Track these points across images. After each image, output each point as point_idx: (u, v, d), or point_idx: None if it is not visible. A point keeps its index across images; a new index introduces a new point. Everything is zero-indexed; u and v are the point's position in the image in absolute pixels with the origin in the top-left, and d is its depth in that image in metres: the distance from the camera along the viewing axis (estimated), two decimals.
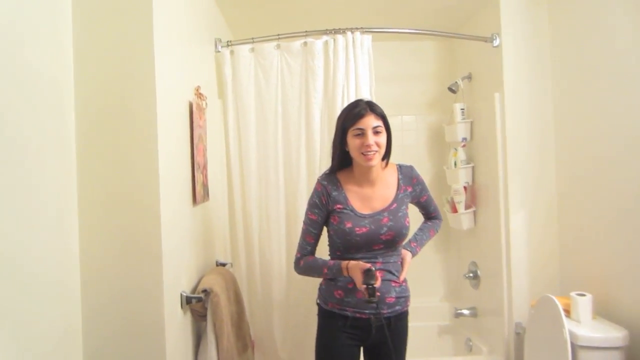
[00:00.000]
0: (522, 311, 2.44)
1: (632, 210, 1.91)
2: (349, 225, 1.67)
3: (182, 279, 1.67)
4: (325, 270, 1.70)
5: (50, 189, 1.24)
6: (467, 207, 2.84)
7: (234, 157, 2.45)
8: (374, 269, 1.57)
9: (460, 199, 2.83)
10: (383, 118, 1.69)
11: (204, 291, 1.70)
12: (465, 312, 2.95)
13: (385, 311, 1.68)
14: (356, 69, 2.36)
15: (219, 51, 2.44)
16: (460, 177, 2.84)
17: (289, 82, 2.43)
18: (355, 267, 1.61)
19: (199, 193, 1.89)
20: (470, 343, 2.87)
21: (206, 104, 2.06)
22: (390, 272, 1.70)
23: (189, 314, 1.72)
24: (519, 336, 2.42)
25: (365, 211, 1.70)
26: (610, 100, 2.01)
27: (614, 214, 2.03)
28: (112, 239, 1.41)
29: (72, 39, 1.39)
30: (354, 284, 1.65)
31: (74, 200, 1.38)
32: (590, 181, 2.19)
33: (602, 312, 2.06)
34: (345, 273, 1.64)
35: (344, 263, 1.65)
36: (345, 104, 2.27)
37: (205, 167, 2.03)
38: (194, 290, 1.76)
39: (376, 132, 1.65)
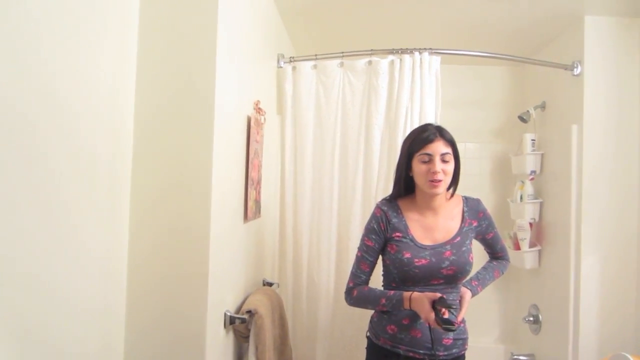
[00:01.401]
0: None
1: None
2: (407, 255, 1.55)
3: (228, 297, 1.61)
4: (383, 301, 1.56)
5: (102, 198, 1.22)
6: (531, 245, 2.64)
7: (289, 175, 2.40)
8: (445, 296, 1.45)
9: (525, 235, 2.63)
10: (453, 145, 1.59)
11: (249, 312, 1.63)
12: (523, 358, 2.73)
13: (441, 353, 1.55)
14: (422, 90, 2.26)
15: (281, 67, 2.42)
16: (526, 212, 2.64)
17: (350, 100, 2.36)
18: (420, 298, 1.47)
19: (250, 209, 1.84)
20: None
21: (264, 119, 2.02)
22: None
23: (231, 334, 1.66)
24: None
25: (426, 242, 1.59)
26: None
27: None
28: (160, 255, 1.38)
29: (136, 45, 1.39)
30: (411, 320, 1.54)
31: (125, 214, 1.35)
32: None
33: None
34: (407, 305, 1.51)
35: (407, 294, 1.52)
36: (408, 127, 2.19)
37: (259, 183, 1.98)
38: (238, 310, 1.69)
39: (444, 160, 1.55)
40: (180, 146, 1.39)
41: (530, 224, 2.64)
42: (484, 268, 1.77)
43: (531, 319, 2.72)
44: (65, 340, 1.06)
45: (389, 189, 2.09)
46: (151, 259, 1.37)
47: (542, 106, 2.72)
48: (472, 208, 1.69)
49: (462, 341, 1.61)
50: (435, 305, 1.43)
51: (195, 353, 1.36)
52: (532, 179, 2.68)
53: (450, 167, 1.57)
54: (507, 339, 3.07)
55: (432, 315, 1.42)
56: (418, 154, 1.56)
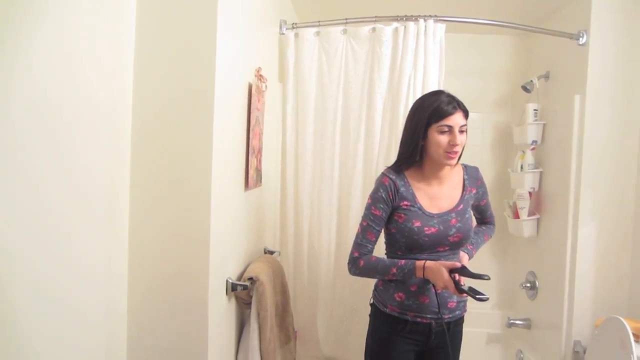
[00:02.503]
0: (583, 329, 2.28)
1: None
2: (417, 224, 1.57)
3: (229, 264, 1.65)
4: (394, 271, 1.57)
5: (102, 165, 1.23)
6: (530, 213, 2.66)
7: (290, 144, 2.40)
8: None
9: (524, 204, 2.66)
10: (467, 117, 1.59)
11: (250, 279, 1.67)
12: (519, 322, 2.81)
13: (446, 316, 1.61)
14: (426, 59, 2.23)
15: (283, 33, 2.38)
16: (526, 182, 2.66)
17: (353, 69, 2.34)
18: (437, 268, 1.49)
19: (251, 178, 1.85)
20: (522, 355, 2.73)
21: (266, 86, 2.01)
22: None
23: (233, 301, 1.70)
24: (577, 355, 2.26)
25: (433, 210, 1.61)
26: None
27: None
28: (161, 220, 1.39)
29: (134, 11, 1.36)
30: (419, 287, 1.58)
31: (125, 180, 1.37)
32: None
33: None
34: (420, 274, 1.53)
35: (419, 263, 1.53)
36: (411, 96, 2.18)
37: (260, 151, 1.99)
38: (240, 277, 1.73)
39: (461, 131, 1.55)
40: (180, 113, 1.39)
41: (530, 193, 2.65)
42: (474, 232, 1.81)
43: (528, 285, 2.78)
44: (71, 303, 1.10)
45: (390, 159, 2.11)
46: (152, 225, 1.39)
47: (546, 76, 2.69)
48: (472, 176, 1.71)
49: (463, 303, 1.67)
50: (452, 273, 1.46)
51: (198, 319, 1.40)
52: (533, 149, 2.68)
53: (465, 138, 1.58)
54: (504, 305, 3.14)
55: (452, 284, 1.45)
56: (437, 124, 1.54)
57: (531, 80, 2.70)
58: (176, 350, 1.41)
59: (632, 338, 1.79)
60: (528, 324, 2.78)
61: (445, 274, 1.46)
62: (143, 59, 1.37)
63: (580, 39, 2.27)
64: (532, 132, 2.66)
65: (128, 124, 1.37)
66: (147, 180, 1.38)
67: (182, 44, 1.38)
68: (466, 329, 1.82)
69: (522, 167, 2.69)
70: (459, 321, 1.69)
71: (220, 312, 1.56)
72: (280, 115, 2.42)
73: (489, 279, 1.40)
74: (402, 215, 1.59)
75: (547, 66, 2.71)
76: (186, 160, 1.39)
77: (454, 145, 1.53)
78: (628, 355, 1.75)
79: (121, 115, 1.33)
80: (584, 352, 2.18)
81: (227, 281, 1.60)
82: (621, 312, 2.15)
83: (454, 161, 1.57)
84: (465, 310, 1.69)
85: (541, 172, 2.66)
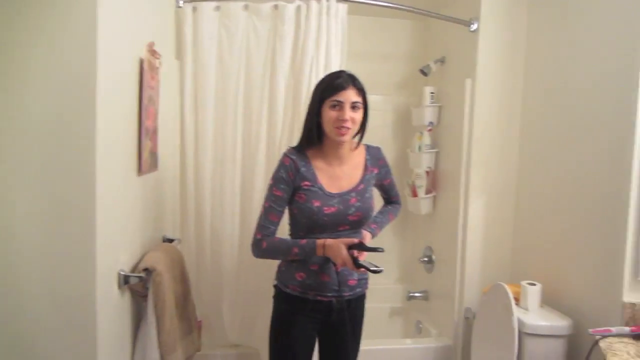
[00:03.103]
0: (473, 297, 2.46)
1: (584, 208, 1.94)
2: (317, 204, 1.57)
3: (122, 256, 1.53)
4: (296, 250, 1.57)
5: None
6: (427, 192, 2.80)
7: (189, 125, 2.27)
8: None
9: (422, 183, 2.79)
10: (363, 94, 1.61)
11: (146, 270, 1.57)
12: (418, 295, 2.97)
13: (346, 294, 1.65)
14: (328, 39, 2.22)
15: (180, 6, 2.22)
16: (423, 162, 2.79)
17: (255, 47, 2.26)
18: (337, 245, 1.51)
19: (145, 162, 1.73)
20: (421, 325, 2.89)
21: (160, 62, 1.87)
22: None
23: (128, 294, 1.59)
24: (468, 321, 2.45)
25: (333, 190, 1.62)
26: (579, 99, 1.99)
27: (566, 209, 2.05)
28: (42, 208, 1.25)
29: None
30: (319, 266, 1.59)
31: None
32: (549, 176, 2.19)
33: (550, 301, 2.10)
34: (320, 252, 1.54)
35: (320, 241, 1.54)
36: (314, 76, 2.16)
37: (155, 133, 1.86)
38: (135, 268, 1.62)
39: (354, 107, 1.56)
40: (58, 90, 1.24)
41: (427, 172, 2.79)
42: (380, 212, 1.86)
43: (425, 259, 2.93)
44: None
45: (293, 139, 2.08)
46: (29, 213, 1.24)
47: (442, 60, 2.81)
48: (374, 156, 1.74)
49: (364, 281, 1.72)
50: (350, 249, 1.49)
51: (85, 316, 1.29)
52: (429, 130, 2.80)
53: (359, 116, 1.59)
54: (405, 279, 3.30)
55: (350, 260, 1.48)
56: (329, 99, 1.55)
57: (428, 64, 2.81)
58: (62, 353, 1.28)
59: (513, 302, 1.95)
60: (426, 296, 2.95)
61: (344, 250, 1.49)
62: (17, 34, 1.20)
63: (472, 25, 2.40)
64: (428, 114, 2.79)
65: None
66: (22, 164, 1.23)
67: (59, 15, 1.23)
68: (371, 304, 1.88)
69: (419, 148, 2.82)
70: (360, 298, 1.74)
71: (112, 307, 1.45)
72: (178, 94, 2.28)
73: (383, 251, 1.46)
74: (303, 195, 1.59)
75: (443, 51, 2.83)
76: (67, 141, 1.25)
77: (343, 120, 1.54)
78: (510, 317, 1.91)
79: None
80: (474, 317, 2.36)
81: (119, 274, 1.48)
82: (504, 279, 2.35)
83: (345, 137, 1.57)
84: (366, 288, 1.74)
85: (437, 152, 2.80)
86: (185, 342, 1.80)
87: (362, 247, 1.50)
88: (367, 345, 1.78)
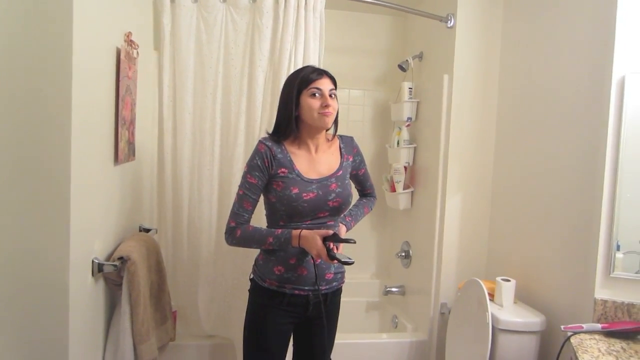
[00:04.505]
0: (449, 292, 2.50)
1: (557, 204, 1.97)
2: (295, 190, 1.57)
3: (96, 244, 1.52)
4: (271, 240, 1.56)
5: None
6: (405, 187, 2.84)
7: (167, 115, 2.26)
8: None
9: (400, 178, 2.82)
10: (335, 84, 1.64)
11: (120, 258, 1.56)
12: (394, 289, 2.99)
13: (323, 287, 1.65)
14: (306, 33, 2.23)
15: None
16: (402, 157, 2.82)
17: (233, 40, 2.26)
18: (312, 236, 1.51)
19: (122, 151, 1.72)
20: (397, 320, 2.92)
21: (137, 53, 1.86)
22: None
23: (102, 282, 1.58)
24: (443, 316, 2.48)
25: (312, 176, 1.62)
26: (553, 95, 2.03)
27: (540, 206, 2.09)
28: (17, 196, 1.24)
29: None
30: (297, 259, 1.59)
31: None
32: (523, 172, 2.23)
33: (524, 297, 2.14)
34: (295, 243, 1.54)
35: (295, 232, 1.54)
36: (292, 70, 2.16)
37: (132, 123, 1.85)
38: (109, 257, 1.61)
39: (331, 95, 1.60)
40: (32, 79, 1.23)
41: (405, 168, 2.82)
42: (355, 205, 1.88)
43: (403, 254, 2.97)
44: None
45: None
46: (4, 209, 1.23)
47: (420, 56, 2.85)
48: (348, 144, 1.77)
49: (341, 275, 1.72)
50: (325, 241, 1.50)
51: (58, 303, 1.28)
52: (408, 126, 2.84)
53: (336, 104, 1.62)
54: (382, 274, 3.33)
55: (325, 251, 1.48)
56: (307, 89, 1.58)
57: (407, 60, 2.85)
58: (32, 342, 1.27)
59: (487, 297, 1.97)
60: (402, 291, 2.98)
61: (319, 242, 1.50)
62: None
63: (449, 22, 2.44)
64: (407, 110, 2.82)
65: None
66: None
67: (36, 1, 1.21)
68: (347, 298, 1.89)
69: (398, 143, 2.85)
70: (337, 292, 1.74)
71: (85, 294, 1.44)
72: (157, 85, 2.27)
73: (354, 242, 1.48)
74: (280, 183, 1.59)
75: (421, 46, 2.87)
76: (41, 129, 1.24)
77: (327, 105, 1.57)
78: (484, 312, 1.94)
79: None
80: (449, 312, 2.39)
81: (93, 261, 1.48)
82: (480, 275, 2.39)
83: (329, 121, 1.60)
84: (342, 282, 1.75)
85: (415, 148, 2.84)
86: (159, 331, 1.80)
87: (335, 238, 1.50)
88: (343, 339, 1.77)
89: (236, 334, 2.08)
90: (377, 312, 3.23)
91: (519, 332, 1.94)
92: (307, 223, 1.60)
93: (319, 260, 1.58)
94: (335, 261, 1.48)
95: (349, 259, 1.47)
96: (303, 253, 1.59)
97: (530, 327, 1.94)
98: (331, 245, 1.50)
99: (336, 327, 1.79)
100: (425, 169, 2.74)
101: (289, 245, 1.56)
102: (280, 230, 1.58)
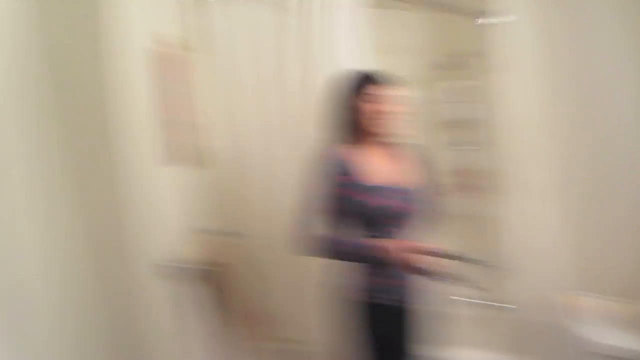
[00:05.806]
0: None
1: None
2: (363, 197, 1.53)
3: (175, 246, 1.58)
4: (366, 252, 1.50)
5: None
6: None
7: (228, 120, 2.22)
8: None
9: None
10: (395, 89, 1.61)
11: (212, 263, 1.61)
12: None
13: (416, 298, 1.62)
14: (336, 31, 2.16)
15: None
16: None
17: (284, 41, 2.19)
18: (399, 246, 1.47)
19: (173, 153, 1.68)
20: None
21: (182, 55, 1.87)
22: None
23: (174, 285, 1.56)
24: None
25: (377, 183, 1.57)
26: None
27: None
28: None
29: None
30: (392, 270, 1.52)
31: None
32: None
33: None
34: (392, 255, 1.47)
35: (381, 243, 1.49)
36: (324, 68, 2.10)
37: (182, 125, 1.81)
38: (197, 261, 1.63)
39: (389, 101, 1.58)
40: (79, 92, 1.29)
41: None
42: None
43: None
44: None
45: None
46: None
47: (463, 54, 2.73)
48: (416, 153, 1.71)
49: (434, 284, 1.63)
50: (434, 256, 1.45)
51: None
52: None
53: (396, 109, 1.59)
54: None
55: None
56: (362, 94, 1.57)
57: (447, 58, 2.78)
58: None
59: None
60: None
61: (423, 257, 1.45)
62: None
63: (500, 18, 2.31)
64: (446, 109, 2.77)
65: None
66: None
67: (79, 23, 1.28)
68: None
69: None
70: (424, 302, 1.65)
71: (155, 297, 1.49)
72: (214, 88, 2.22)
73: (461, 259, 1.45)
74: (348, 190, 1.54)
75: (463, 45, 2.74)
76: (91, 139, 1.34)
77: (380, 112, 1.55)
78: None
79: None
80: None
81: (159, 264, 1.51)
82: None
83: (383, 129, 1.57)
84: (432, 293, 1.66)
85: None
86: (242, 334, 1.80)
87: (436, 253, 1.45)
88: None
89: (318, 338, 2.00)
90: None
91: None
92: (376, 230, 1.55)
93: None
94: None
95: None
96: (397, 264, 1.51)
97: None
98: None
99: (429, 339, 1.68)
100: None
101: (383, 257, 1.50)
102: (376, 242, 1.53)
